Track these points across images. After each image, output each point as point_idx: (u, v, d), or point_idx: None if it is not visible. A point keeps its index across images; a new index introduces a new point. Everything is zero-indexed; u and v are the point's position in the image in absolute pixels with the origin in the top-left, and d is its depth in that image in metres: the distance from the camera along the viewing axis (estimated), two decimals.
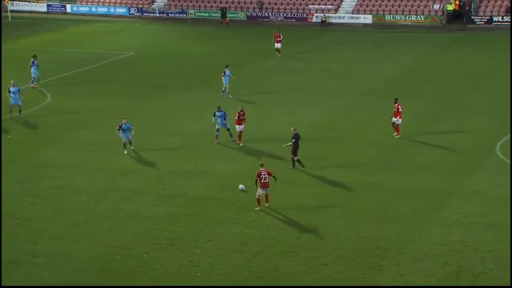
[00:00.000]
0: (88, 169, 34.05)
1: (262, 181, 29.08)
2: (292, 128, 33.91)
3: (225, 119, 37.18)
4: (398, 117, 37.81)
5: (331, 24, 75.68)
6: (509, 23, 70.97)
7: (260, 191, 29.22)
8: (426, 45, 64.59)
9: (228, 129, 37.53)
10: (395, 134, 38.18)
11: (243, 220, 28.48)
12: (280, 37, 59.39)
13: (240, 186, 30.79)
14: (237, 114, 37.22)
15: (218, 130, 37.24)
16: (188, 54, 60.24)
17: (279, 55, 59.00)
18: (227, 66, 46.77)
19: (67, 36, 69.51)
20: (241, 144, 36.92)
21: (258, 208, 29.35)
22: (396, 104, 37.93)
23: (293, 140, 33.32)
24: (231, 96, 46.13)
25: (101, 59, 58.45)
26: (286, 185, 31.50)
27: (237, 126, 37.17)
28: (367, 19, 76.17)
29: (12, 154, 36.38)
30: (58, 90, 48.68)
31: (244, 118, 37.29)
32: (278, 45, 59.43)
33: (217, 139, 37.29)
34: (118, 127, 35.40)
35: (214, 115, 37.24)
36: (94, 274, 24.51)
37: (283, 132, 39.33)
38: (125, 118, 35.28)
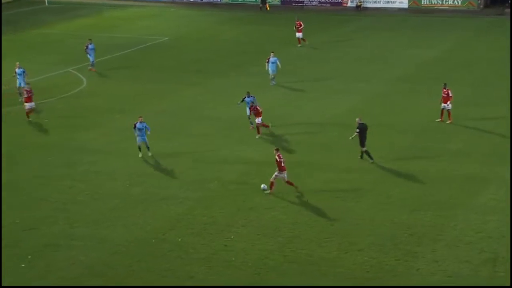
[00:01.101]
0: (124, 154, 34.38)
1: (282, 164, 29.32)
2: (357, 119, 32.90)
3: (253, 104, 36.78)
4: (448, 102, 37.54)
5: (366, 8, 75.06)
6: None
7: (278, 175, 29.32)
8: (463, 30, 63.75)
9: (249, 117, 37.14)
10: (438, 119, 37.91)
11: (276, 206, 28.57)
12: (301, 26, 56.96)
13: (263, 185, 29.99)
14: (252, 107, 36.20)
15: (249, 116, 37.17)
16: (222, 39, 60.26)
17: (299, 45, 56.77)
18: (272, 52, 45.94)
19: (102, 21, 69.97)
20: (257, 137, 36.14)
21: (269, 191, 29.41)
22: (445, 89, 37.66)
23: (357, 131, 32.40)
24: (273, 83, 45.68)
25: (136, 44, 58.77)
26: (316, 171, 31.53)
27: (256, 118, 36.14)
28: (403, 3, 75.36)
29: (50, 138, 36.91)
30: (94, 75, 49.11)
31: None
32: (299, 35, 57.03)
33: (251, 124, 37.31)
34: (133, 126, 33.75)
35: (243, 100, 37.11)
36: (130, 258, 24.81)
37: (317, 118, 39.38)
38: (140, 117, 33.70)
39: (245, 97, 37.22)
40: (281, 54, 54.38)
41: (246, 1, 78.41)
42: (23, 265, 24.31)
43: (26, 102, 39.10)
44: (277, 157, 29.44)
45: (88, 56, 49.75)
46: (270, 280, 23.42)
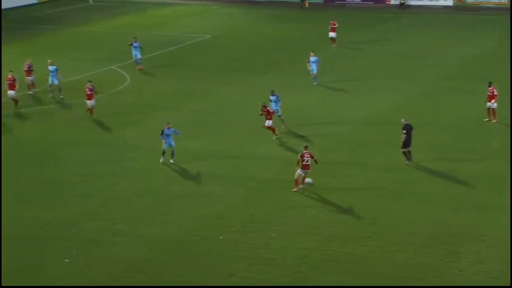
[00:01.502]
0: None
1: (304, 163, 29.23)
2: (402, 119, 32.33)
3: (277, 105, 36.44)
4: (493, 100, 37.07)
5: (409, 6, 74.36)
6: None
7: (299, 172, 29.35)
8: (508, 28, 62.70)
9: (279, 116, 36.73)
10: (486, 119, 37.44)
11: (316, 204, 28.50)
12: (335, 25, 55.83)
13: (308, 179, 30.01)
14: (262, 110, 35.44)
15: (279, 115, 36.70)
16: (263, 37, 60.27)
17: (334, 45, 55.69)
18: (312, 52, 45.74)
19: (146, 19, 70.53)
20: (273, 138, 35.65)
21: (294, 189, 29.36)
22: (490, 88, 37.16)
23: (404, 132, 31.80)
24: (316, 82, 45.46)
25: (178, 42, 59.09)
26: (357, 170, 31.40)
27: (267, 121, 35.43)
28: (448, 1, 74.49)
29: (93, 135, 37.34)
30: (137, 72, 49.54)
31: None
32: (332, 34, 55.81)
33: (283, 123, 36.93)
34: (160, 132, 33.11)
35: (270, 100, 36.69)
36: (169, 255, 24.98)
37: (359, 117, 39.18)
38: (168, 123, 32.95)
39: (270, 96, 36.88)
40: (322, 52, 54.14)
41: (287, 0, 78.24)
42: (67, 260, 24.65)
43: (88, 100, 39.09)
44: (302, 155, 29.27)
45: (133, 54, 50.04)
46: (309, 279, 23.36)
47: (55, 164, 33.51)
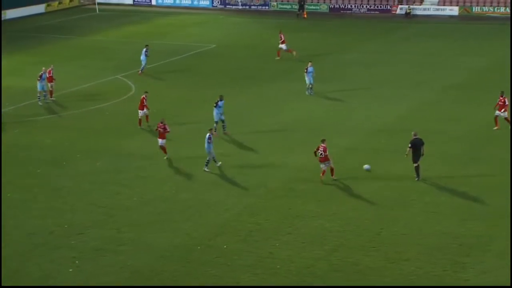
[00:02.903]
0: (171, 160, 34.56)
1: (319, 156, 30.79)
2: (413, 132, 31.60)
3: (220, 110, 37.15)
4: (503, 110, 37.10)
5: (415, 16, 74.38)
6: None
7: (321, 166, 31.00)
8: None
9: (223, 120, 37.30)
10: (495, 127, 37.45)
11: (323, 214, 28.39)
12: (282, 38, 54.65)
13: (366, 166, 31.67)
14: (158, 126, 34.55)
15: (218, 122, 37.23)
16: (269, 46, 60.17)
17: (294, 53, 54.36)
18: (310, 62, 45.75)
19: (152, 28, 70.68)
20: (165, 158, 34.50)
21: (322, 178, 31.05)
22: (502, 97, 37.19)
23: (409, 146, 30.90)
24: (312, 93, 45.15)
25: (185, 51, 59.16)
26: (365, 179, 31.28)
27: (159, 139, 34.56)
28: (453, 10, 74.48)
29: (99, 143, 37.31)
30: (143, 82, 49.58)
31: (165, 132, 34.16)
32: (283, 46, 54.75)
33: (224, 130, 37.47)
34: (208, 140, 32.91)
35: (217, 105, 37.09)
36: (176, 264, 24.89)
37: (367, 126, 39.11)
38: (211, 129, 33.80)
39: (218, 101, 37.28)
40: (328, 61, 54.25)
41: (294, 9, 78.35)
42: (71, 270, 24.56)
43: (140, 110, 39.12)
44: (318, 148, 30.88)
45: (142, 60, 50.84)
46: None
47: (60, 172, 33.48)
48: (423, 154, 31.06)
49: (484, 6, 74.11)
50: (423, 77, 49.57)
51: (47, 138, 38.24)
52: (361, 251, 25.35)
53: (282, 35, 55.27)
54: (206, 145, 32.83)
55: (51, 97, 44.54)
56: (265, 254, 25.28)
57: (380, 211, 28.50)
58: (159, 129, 34.42)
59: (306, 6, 76.61)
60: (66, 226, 27.76)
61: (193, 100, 44.82)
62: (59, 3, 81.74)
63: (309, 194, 30.25)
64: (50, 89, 44.54)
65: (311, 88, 45.14)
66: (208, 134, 32.94)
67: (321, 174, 31.15)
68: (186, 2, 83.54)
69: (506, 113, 37.16)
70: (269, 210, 28.88)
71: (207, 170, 32.89)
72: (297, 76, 47.88)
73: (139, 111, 39.23)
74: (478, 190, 30.21)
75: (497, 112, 37.33)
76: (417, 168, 31.10)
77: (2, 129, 38.73)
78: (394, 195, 30.00)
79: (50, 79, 44.40)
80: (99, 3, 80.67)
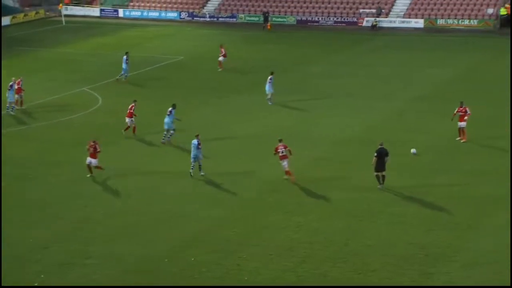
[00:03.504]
0: (141, 172, 34.41)
1: (280, 154, 32.24)
2: (379, 142, 32.21)
3: (170, 118, 38.13)
4: (465, 118, 37.66)
5: (381, 28, 75.06)
6: None
7: (283, 164, 32.35)
8: (480, 50, 63.52)
9: (173, 130, 38.42)
10: (458, 138, 37.96)
11: (290, 225, 28.43)
12: (223, 52, 56.20)
13: (413, 150, 33.74)
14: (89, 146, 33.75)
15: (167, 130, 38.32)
16: (237, 58, 60.31)
17: (220, 69, 55.89)
18: (271, 73, 46.22)
19: (119, 40, 70.37)
20: (88, 175, 33.97)
21: (285, 177, 32.39)
22: (461, 108, 37.75)
23: (375, 155, 31.67)
24: (270, 103, 45.62)
25: (152, 63, 58.96)
26: (334, 190, 31.41)
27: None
28: (419, 23, 75.29)
29: (66, 155, 36.98)
30: (110, 93, 49.32)
31: (95, 152, 33.37)
32: (221, 59, 56.26)
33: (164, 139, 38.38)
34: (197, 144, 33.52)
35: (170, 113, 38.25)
36: (143, 277, 24.73)
37: (335, 136, 39.32)
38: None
39: (171, 108, 38.58)
40: (295, 73, 54.47)
41: (261, 21, 78.55)
42: (36, 284, 24.26)
43: (128, 117, 39.82)
44: (277, 148, 32.40)
45: (123, 67, 51.99)
46: None
47: (27, 184, 33.12)
48: (386, 163, 31.64)
49: (448, 18, 75.05)
50: (390, 89, 50.02)
51: (14, 150, 37.80)
52: (328, 262, 25.42)
53: (223, 49, 56.66)
54: (195, 151, 33.22)
55: (21, 106, 44.60)
56: (232, 266, 25.23)
57: (348, 222, 28.62)
58: (89, 148, 33.51)
59: (270, 18, 76.86)
60: (31, 240, 27.44)
61: (160, 112, 44.54)
62: (25, 15, 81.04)
63: (276, 206, 30.30)
64: (20, 99, 44.68)
65: (270, 97, 45.77)
66: (195, 140, 33.44)
67: (287, 175, 32.35)
68: (154, 14, 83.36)
69: (465, 123, 37.63)
70: (237, 222, 28.86)
71: (203, 173, 33.53)
72: (262, 88, 47.93)
73: (126, 118, 39.72)
74: (444, 200, 30.50)
75: (459, 124, 37.84)
76: (377, 177, 31.74)
77: None
78: (361, 206, 30.16)
79: (19, 90, 44.52)
80: (65, 15, 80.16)
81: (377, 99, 47.15)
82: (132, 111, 39.76)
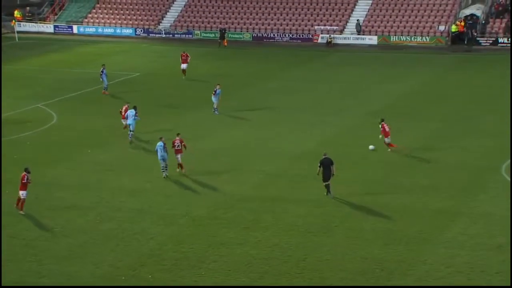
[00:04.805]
0: (94, 189, 34.11)
1: (176, 148, 34.90)
2: (323, 153, 33.04)
3: (133, 120, 40.77)
4: (388, 136, 39.11)
5: (336, 44, 75.89)
6: None
7: (176, 156, 34.90)
8: (432, 66, 64.66)
9: (132, 131, 40.82)
10: (389, 149, 39.08)
11: (248, 241, 28.44)
12: (188, 57, 59.28)
13: (371, 146, 37.22)
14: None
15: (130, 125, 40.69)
16: (193, 74, 60.38)
17: (184, 77, 58.41)
18: (218, 84, 47.62)
19: (73, 57, 69.86)
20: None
21: (177, 170, 35.11)
22: (384, 124, 39.04)
23: (319, 165, 32.46)
24: (217, 113, 46.90)
25: (108, 79, 58.45)
26: (289, 205, 31.53)
27: None
28: (373, 40, 76.35)
29: (19, 173, 36.38)
30: (64, 110, 48.84)
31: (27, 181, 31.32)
32: (184, 66, 58.90)
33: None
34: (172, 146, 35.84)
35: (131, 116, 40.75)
36: None
37: (289, 151, 39.50)
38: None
39: (133, 109, 41.29)
40: (251, 88, 54.70)
41: (217, 37, 78.78)
42: None
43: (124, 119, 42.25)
44: (174, 142, 34.89)
45: (102, 80, 52.83)
46: None
47: None
48: (333, 174, 32.40)
49: (401, 35, 76.23)
50: (345, 104, 50.53)
51: None
52: (286, 277, 25.49)
53: (186, 55, 59.22)
54: (161, 153, 34.82)
55: None
56: (190, 283, 25.13)
57: (304, 237, 28.74)
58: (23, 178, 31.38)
59: (227, 35, 77.13)
60: None
61: (113, 129, 44.34)
62: None
63: (233, 221, 30.29)
64: None
65: (216, 108, 47.08)
66: (160, 143, 35.08)
67: (179, 169, 35.16)
68: (109, 30, 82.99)
69: (389, 139, 38.97)
70: (194, 238, 28.76)
71: (167, 175, 35.21)
72: (223, 104, 48.10)
73: (122, 120, 42.51)
74: (397, 215, 30.83)
75: (386, 140, 39.09)
76: (327, 186, 32.48)
77: None
78: (317, 221, 30.34)
79: None
80: (18, 32, 79.31)
81: (332, 115, 47.57)
82: (124, 113, 42.19)
